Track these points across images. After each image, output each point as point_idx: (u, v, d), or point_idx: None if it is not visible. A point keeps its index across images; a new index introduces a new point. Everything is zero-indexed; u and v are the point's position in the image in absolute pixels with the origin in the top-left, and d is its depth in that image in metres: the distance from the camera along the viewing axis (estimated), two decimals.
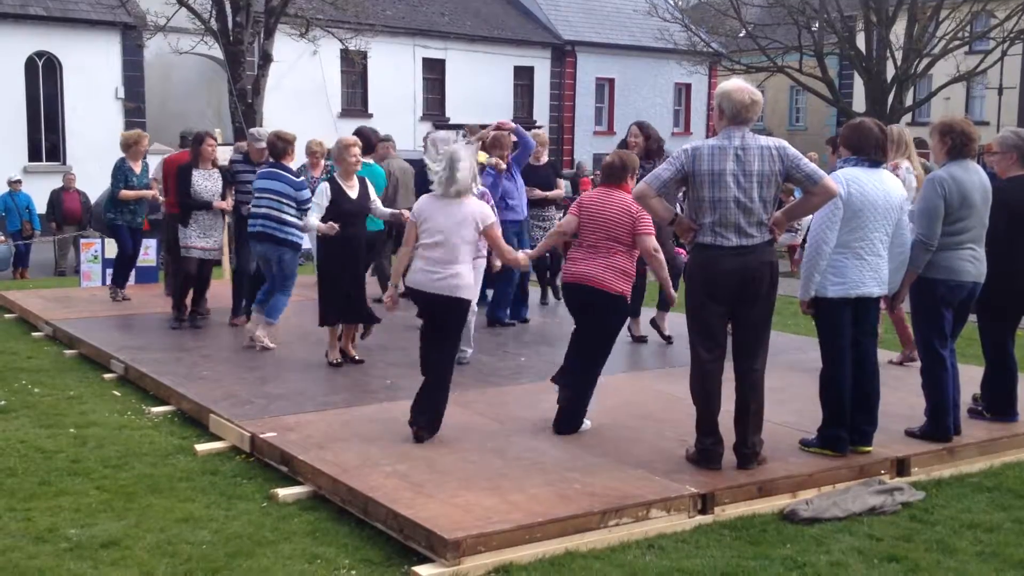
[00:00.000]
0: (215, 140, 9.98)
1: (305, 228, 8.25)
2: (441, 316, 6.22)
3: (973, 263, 6.20)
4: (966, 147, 6.21)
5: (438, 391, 6.18)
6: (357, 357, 8.29)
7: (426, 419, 6.12)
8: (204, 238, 9.75)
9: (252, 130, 10.31)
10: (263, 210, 8.66)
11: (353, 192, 7.98)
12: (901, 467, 5.93)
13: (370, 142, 10.02)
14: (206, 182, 9.76)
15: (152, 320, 10.55)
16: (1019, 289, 6.53)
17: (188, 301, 10.08)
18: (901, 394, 7.08)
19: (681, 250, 9.81)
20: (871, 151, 5.85)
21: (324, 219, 7.87)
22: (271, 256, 8.73)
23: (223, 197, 9.82)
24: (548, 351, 9.03)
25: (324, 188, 7.93)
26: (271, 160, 8.95)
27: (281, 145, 8.80)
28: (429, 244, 6.21)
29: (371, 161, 9.70)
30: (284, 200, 8.65)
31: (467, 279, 6.22)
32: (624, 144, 9.08)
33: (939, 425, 6.22)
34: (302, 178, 8.89)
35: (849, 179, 5.62)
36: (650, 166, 8.76)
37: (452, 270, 6.15)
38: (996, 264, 6.32)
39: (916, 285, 6.24)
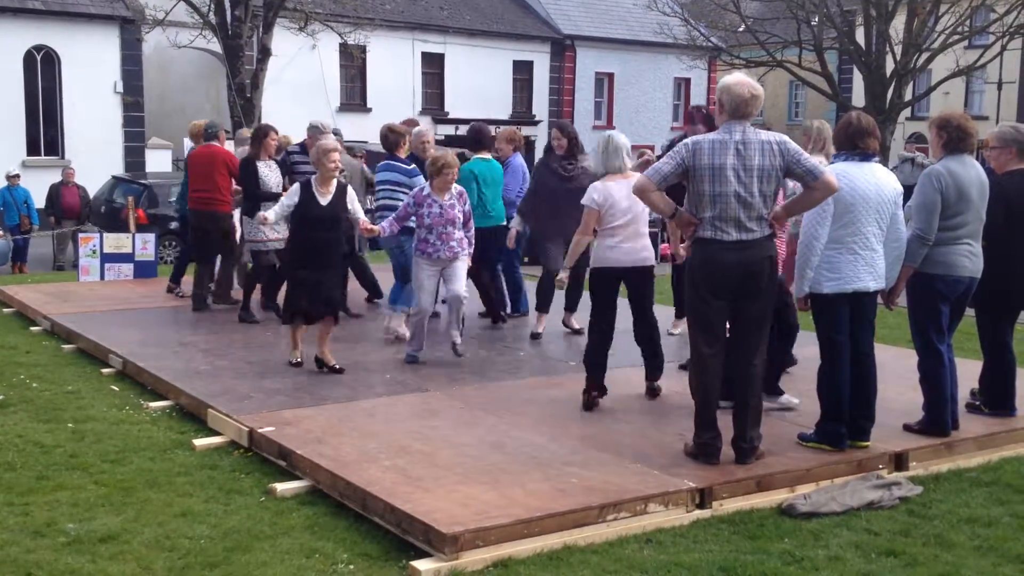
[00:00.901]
0: (277, 133, 10.07)
1: (262, 220, 8.28)
2: (641, 287, 7.08)
3: (970, 258, 6.20)
4: (962, 141, 6.20)
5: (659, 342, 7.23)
6: (336, 365, 7.86)
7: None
8: (275, 230, 9.80)
9: (314, 122, 10.52)
10: (386, 201, 9.01)
11: (325, 199, 7.78)
12: (899, 462, 5.94)
13: (483, 137, 9.99)
14: (270, 173, 9.88)
15: (150, 315, 10.55)
16: (1017, 283, 6.53)
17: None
18: (899, 389, 7.08)
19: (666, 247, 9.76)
20: (857, 144, 5.85)
21: (291, 220, 7.98)
22: (393, 245, 9.02)
23: (284, 188, 9.86)
24: (546, 346, 9.04)
25: (294, 189, 7.92)
26: (385, 152, 9.38)
27: (393, 137, 9.30)
28: (621, 224, 6.88)
29: (488, 156, 9.74)
30: (401, 189, 8.92)
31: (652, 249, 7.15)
32: (549, 147, 9.30)
33: (937, 420, 6.22)
34: (412, 166, 9.20)
35: (839, 174, 5.61)
36: (571, 166, 8.92)
37: (644, 242, 7.02)
38: (994, 259, 6.32)
39: (913, 280, 6.24)
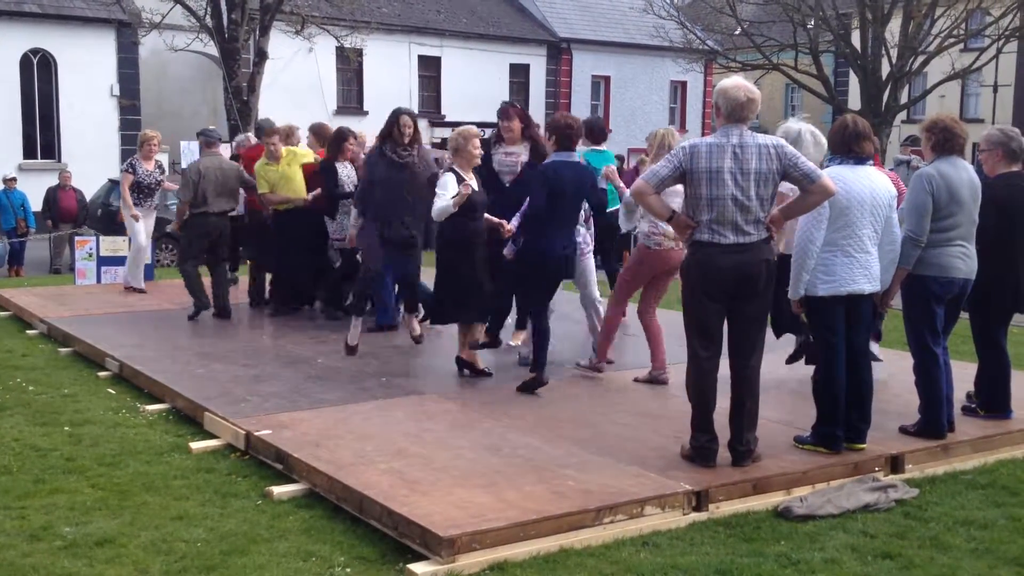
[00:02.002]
0: (355, 138, 10.16)
1: (439, 215, 7.57)
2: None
3: (963, 260, 6.21)
4: (949, 143, 6.22)
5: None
6: (486, 369, 7.88)
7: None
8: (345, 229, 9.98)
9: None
10: None
11: (475, 184, 7.59)
12: (895, 464, 5.94)
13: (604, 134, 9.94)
14: (349, 174, 9.96)
15: (147, 318, 10.55)
16: (1011, 286, 6.54)
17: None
18: (895, 391, 7.09)
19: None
20: (853, 147, 5.87)
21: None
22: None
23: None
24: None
25: (450, 179, 7.49)
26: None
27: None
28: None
29: (602, 148, 9.63)
30: None
31: None
32: (384, 134, 8.52)
33: (933, 422, 6.23)
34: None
35: (834, 177, 5.62)
36: (407, 152, 8.36)
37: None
38: (987, 261, 6.33)
39: (907, 282, 6.25)
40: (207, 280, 10.47)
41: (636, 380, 7.68)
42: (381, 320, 9.54)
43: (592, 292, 8.44)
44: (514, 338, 8.86)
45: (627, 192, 7.09)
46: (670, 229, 6.87)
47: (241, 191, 10.59)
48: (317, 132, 10.85)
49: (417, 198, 8.34)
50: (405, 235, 8.38)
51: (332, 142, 10.01)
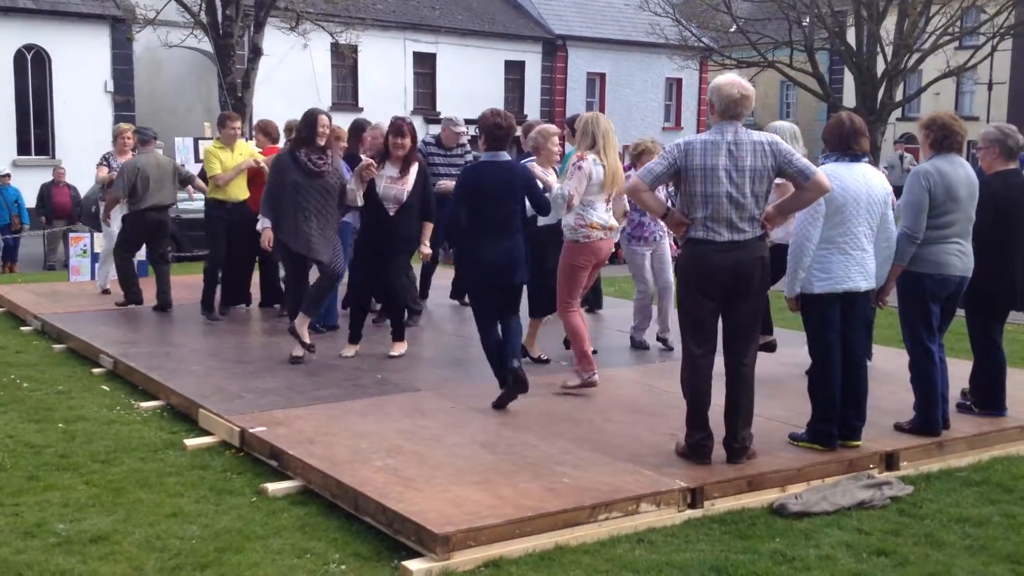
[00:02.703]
0: (370, 127, 10.09)
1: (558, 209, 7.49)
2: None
3: (959, 257, 6.22)
4: (947, 140, 6.22)
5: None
6: (543, 356, 8.20)
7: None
8: None
9: (449, 116, 10.81)
10: None
11: (554, 180, 7.61)
12: (890, 461, 5.95)
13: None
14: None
15: (141, 314, 10.53)
16: (1008, 283, 6.55)
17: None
18: (890, 388, 7.10)
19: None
20: (851, 145, 5.87)
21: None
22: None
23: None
24: (537, 346, 9.02)
25: (538, 173, 7.56)
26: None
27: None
28: None
29: None
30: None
31: None
32: (298, 139, 8.29)
33: (928, 419, 6.24)
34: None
35: (829, 175, 5.62)
36: (321, 160, 8.14)
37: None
38: (985, 258, 6.34)
39: (903, 279, 6.26)
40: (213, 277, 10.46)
41: (564, 386, 7.25)
42: (328, 321, 9.38)
43: (668, 276, 8.60)
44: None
45: (556, 187, 7.15)
46: (596, 220, 7.07)
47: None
48: (263, 129, 10.83)
49: (328, 208, 8.08)
50: (308, 243, 8.01)
51: (352, 134, 10.05)
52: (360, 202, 8.04)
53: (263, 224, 8.21)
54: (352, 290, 8.85)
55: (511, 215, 6.76)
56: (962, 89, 39.52)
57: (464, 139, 10.52)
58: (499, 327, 6.89)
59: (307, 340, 8.08)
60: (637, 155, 8.51)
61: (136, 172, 10.42)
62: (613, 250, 7.86)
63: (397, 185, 8.02)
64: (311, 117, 8.16)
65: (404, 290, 8.52)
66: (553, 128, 7.94)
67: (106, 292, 11.83)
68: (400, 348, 8.43)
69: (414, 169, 8.12)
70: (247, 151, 10.28)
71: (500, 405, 6.75)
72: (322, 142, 8.11)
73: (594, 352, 7.46)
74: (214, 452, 6.25)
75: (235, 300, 10.62)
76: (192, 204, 17.71)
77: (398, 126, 8.07)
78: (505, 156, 6.87)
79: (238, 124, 10.24)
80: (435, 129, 30.76)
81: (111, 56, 26.84)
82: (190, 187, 11.37)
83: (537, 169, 7.40)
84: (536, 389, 7.32)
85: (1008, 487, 5.73)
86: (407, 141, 8.05)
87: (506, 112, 7.05)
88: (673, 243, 8.94)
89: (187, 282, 12.20)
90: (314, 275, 8.33)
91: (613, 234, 7.37)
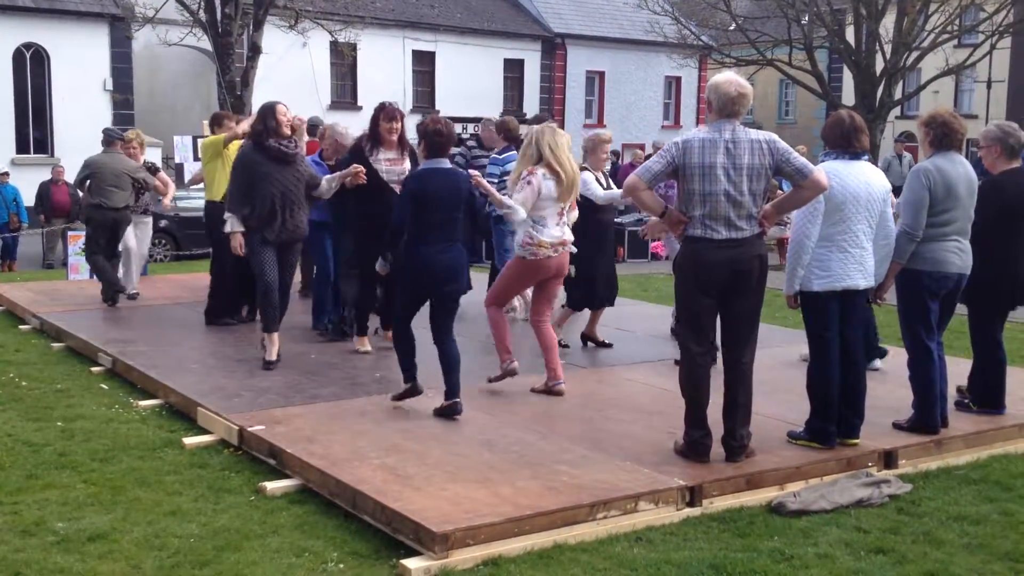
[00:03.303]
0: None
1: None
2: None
3: (958, 255, 6.22)
4: (947, 138, 6.22)
5: None
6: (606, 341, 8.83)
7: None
8: None
9: (489, 117, 11.17)
10: None
11: (604, 182, 8.40)
12: (888, 459, 5.95)
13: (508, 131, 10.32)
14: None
15: (140, 313, 10.53)
16: (1010, 281, 6.54)
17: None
18: (888, 387, 7.10)
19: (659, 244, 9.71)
20: (852, 142, 5.87)
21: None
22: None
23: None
24: (536, 345, 9.02)
25: (589, 177, 8.17)
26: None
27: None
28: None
29: None
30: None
31: None
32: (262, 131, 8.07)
33: (926, 417, 6.24)
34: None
35: (829, 173, 5.62)
36: (292, 143, 8.06)
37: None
38: (989, 256, 6.35)
39: (902, 277, 6.26)
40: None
41: (533, 390, 7.22)
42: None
43: None
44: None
45: (505, 201, 6.98)
46: (545, 238, 6.99)
47: None
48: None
49: (302, 197, 8.01)
50: (294, 232, 7.94)
51: (307, 134, 10.09)
52: (329, 195, 8.13)
53: (232, 227, 7.88)
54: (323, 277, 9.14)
55: (456, 222, 6.67)
56: (961, 87, 39.49)
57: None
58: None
59: (273, 357, 7.91)
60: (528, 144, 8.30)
61: (88, 169, 10.79)
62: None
63: (397, 166, 8.15)
64: (270, 107, 8.01)
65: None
66: (606, 135, 8.50)
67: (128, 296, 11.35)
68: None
69: (406, 151, 8.37)
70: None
71: (400, 398, 6.78)
72: (287, 131, 7.99)
73: (565, 346, 8.22)
74: (213, 451, 6.25)
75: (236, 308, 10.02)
76: (191, 203, 17.75)
77: (391, 112, 8.21)
78: (446, 163, 6.78)
79: (235, 123, 10.22)
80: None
81: (110, 55, 26.82)
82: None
83: (483, 181, 7.26)
84: (534, 388, 7.33)
85: (1006, 485, 5.73)
86: (399, 125, 8.27)
87: (446, 120, 7.01)
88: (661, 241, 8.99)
89: (186, 281, 12.19)
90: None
91: (565, 248, 7.20)
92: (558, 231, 7.11)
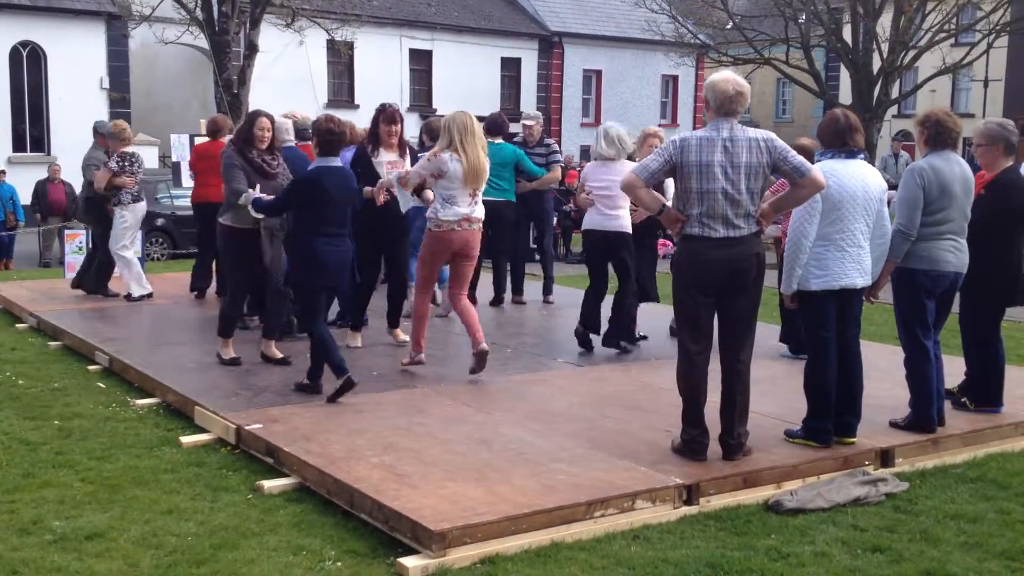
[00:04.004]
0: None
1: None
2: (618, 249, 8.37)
3: (954, 253, 6.23)
4: (941, 136, 6.23)
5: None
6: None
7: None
8: None
9: (529, 113, 11.22)
10: None
11: None
12: (885, 458, 5.96)
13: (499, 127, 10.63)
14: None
15: (137, 311, 10.52)
16: (1011, 279, 6.56)
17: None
18: (885, 385, 7.10)
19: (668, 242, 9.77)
20: (847, 141, 5.88)
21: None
22: None
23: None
24: (533, 342, 9.04)
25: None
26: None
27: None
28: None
29: (499, 141, 10.41)
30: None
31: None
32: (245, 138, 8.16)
33: (923, 416, 6.25)
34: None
35: (826, 172, 5.63)
36: (275, 161, 8.10)
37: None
38: (990, 254, 6.37)
39: (898, 275, 6.27)
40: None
41: (471, 373, 7.51)
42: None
43: None
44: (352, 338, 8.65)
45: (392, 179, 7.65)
46: (451, 215, 7.36)
47: None
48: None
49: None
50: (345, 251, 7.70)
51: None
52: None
53: (249, 198, 7.60)
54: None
55: (346, 218, 7.06)
56: (958, 86, 39.57)
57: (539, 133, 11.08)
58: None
59: (228, 356, 7.92)
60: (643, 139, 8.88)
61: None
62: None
63: (398, 168, 8.20)
64: (253, 118, 8.09)
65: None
66: (653, 129, 9.02)
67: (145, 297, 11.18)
68: (403, 335, 8.63)
69: (406, 152, 8.50)
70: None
71: (335, 399, 6.84)
72: (262, 145, 7.99)
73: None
74: (210, 449, 6.25)
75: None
76: (188, 201, 17.72)
77: (390, 115, 8.35)
78: (338, 161, 7.08)
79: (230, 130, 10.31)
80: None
81: (107, 53, 26.81)
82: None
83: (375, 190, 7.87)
84: (531, 386, 7.34)
85: (1003, 484, 5.74)
86: (399, 127, 8.40)
87: (339, 120, 7.33)
88: (667, 239, 9.00)
89: (183, 278, 12.17)
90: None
91: (472, 226, 7.49)
92: (468, 209, 7.42)
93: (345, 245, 7.05)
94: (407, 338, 8.34)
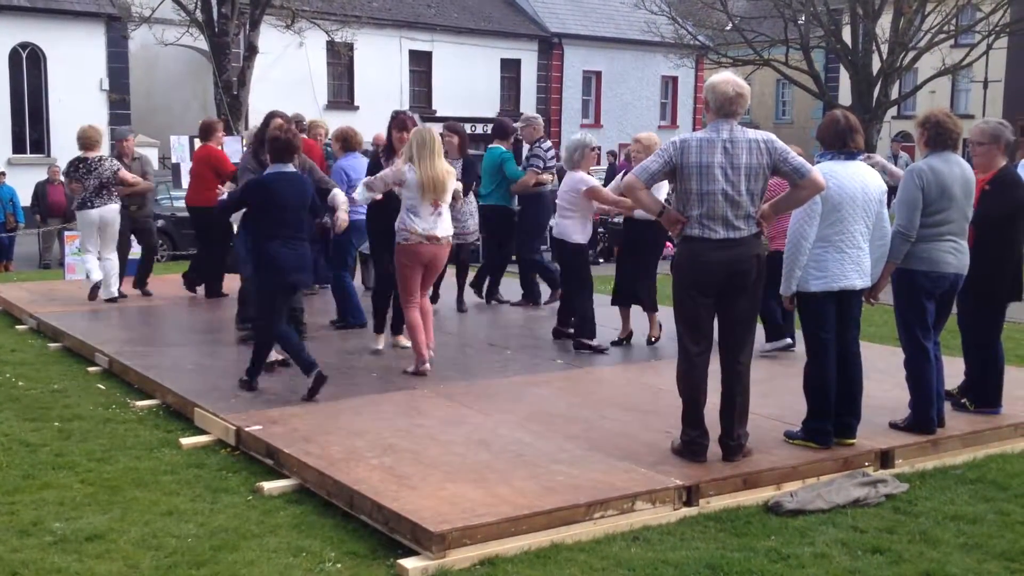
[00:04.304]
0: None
1: None
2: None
3: (955, 254, 6.23)
4: (941, 137, 6.22)
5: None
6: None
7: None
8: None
9: (527, 114, 11.31)
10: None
11: None
12: (885, 459, 5.96)
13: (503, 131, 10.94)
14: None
15: (136, 313, 10.52)
16: (1011, 274, 6.56)
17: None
18: (885, 386, 7.10)
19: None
20: (847, 142, 5.88)
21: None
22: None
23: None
24: (533, 344, 9.04)
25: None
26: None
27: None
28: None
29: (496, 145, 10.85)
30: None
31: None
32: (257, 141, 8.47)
33: (923, 417, 6.24)
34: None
35: (826, 173, 5.63)
36: None
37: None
38: (993, 250, 6.38)
39: (898, 277, 6.27)
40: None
41: (405, 372, 7.73)
42: (358, 319, 9.51)
43: None
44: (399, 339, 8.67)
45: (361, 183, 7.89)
46: (417, 227, 7.51)
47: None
48: (340, 137, 10.90)
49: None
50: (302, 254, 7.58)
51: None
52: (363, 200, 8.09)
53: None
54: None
55: (301, 222, 7.22)
56: (958, 87, 39.57)
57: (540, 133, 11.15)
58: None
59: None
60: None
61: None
62: None
63: None
64: (267, 119, 8.27)
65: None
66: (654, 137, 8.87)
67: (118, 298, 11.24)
68: (404, 340, 8.53)
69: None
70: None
71: (314, 392, 6.94)
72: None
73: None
74: (210, 451, 6.25)
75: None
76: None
77: (400, 121, 8.45)
78: (291, 168, 7.27)
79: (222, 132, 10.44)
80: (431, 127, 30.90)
81: (106, 54, 26.81)
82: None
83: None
84: (531, 387, 7.34)
85: (1003, 485, 5.74)
86: (408, 135, 8.24)
87: (290, 128, 7.55)
88: (668, 241, 8.99)
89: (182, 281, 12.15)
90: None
91: (440, 242, 7.67)
92: (430, 223, 7.58)
93: (302, 248, 7.17)
94: (407, 343, 8.32)
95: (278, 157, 7.19)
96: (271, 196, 7.05)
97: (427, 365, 7.73)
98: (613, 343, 8.84)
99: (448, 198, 7.68)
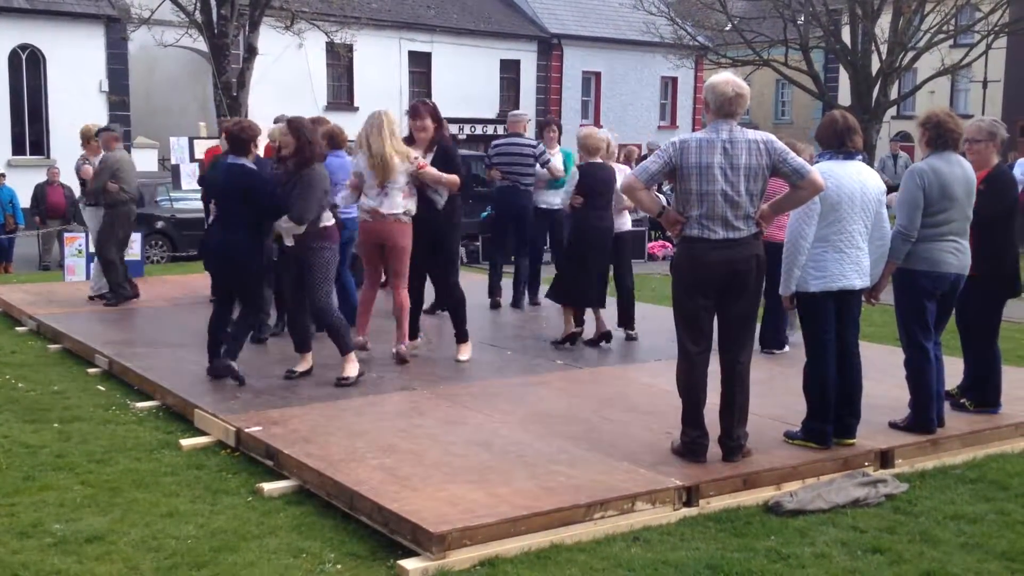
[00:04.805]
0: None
1: None
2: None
3: (956, 255, 6.23)
4: (942, 138, 6.22)
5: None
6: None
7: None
8: None
9: (514, 112, 11.72)
10: None
11: None
12: (885, 459, 5.96)
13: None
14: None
15: (136, 314, 10.52)
16: (1010, 272, 6.57)
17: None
18: (885, 386, 7.10)
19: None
20: (845, 142, 5.88)
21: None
22: None
23: None
24: (533, 344, 9.04)
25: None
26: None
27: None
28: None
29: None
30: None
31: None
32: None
33: (922, 417, 6.25)
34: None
35: (824, 173, 5.63)
36: None
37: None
38: (994, 247, 6.40)
39: (899, 277, 6.27)
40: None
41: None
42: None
43: None
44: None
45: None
46: (364, 204, 7.84)
47: None
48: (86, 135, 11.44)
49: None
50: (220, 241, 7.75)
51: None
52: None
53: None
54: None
55: (231, 212, 7.46)
56: (957, 87, 39.56)
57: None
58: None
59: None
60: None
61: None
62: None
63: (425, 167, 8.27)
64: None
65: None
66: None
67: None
68: (466, 351, 8.31)
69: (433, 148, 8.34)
70: None
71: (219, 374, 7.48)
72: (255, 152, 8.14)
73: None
74: (210, 452, 6.25)
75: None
76: (187, 204, 17.73)
77: (413, 108, 8.41)
78: (243, 161, 7.50)
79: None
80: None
81: (106, 56, 26.80)
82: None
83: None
84: (531, 388, 7.34)
85: (1003, 484, 5.74)
86: (425, 122, 8.23)
87: (249, 121, 7.90)
88: (667, 240, 9.00)
89: (182, 281, 12.18)
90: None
91: (381, 218, 7.80)
92: (376, 201, 7.79)
93: (225, 235, 7.45)
94: (417, 344, 8.52)
95: (235, 149, 7.58)
96: (216, 183, 7.83)
97: (360, 339, 8.10)
98: (554, 343, 8.86)
99: (396, 178, 7.69)
